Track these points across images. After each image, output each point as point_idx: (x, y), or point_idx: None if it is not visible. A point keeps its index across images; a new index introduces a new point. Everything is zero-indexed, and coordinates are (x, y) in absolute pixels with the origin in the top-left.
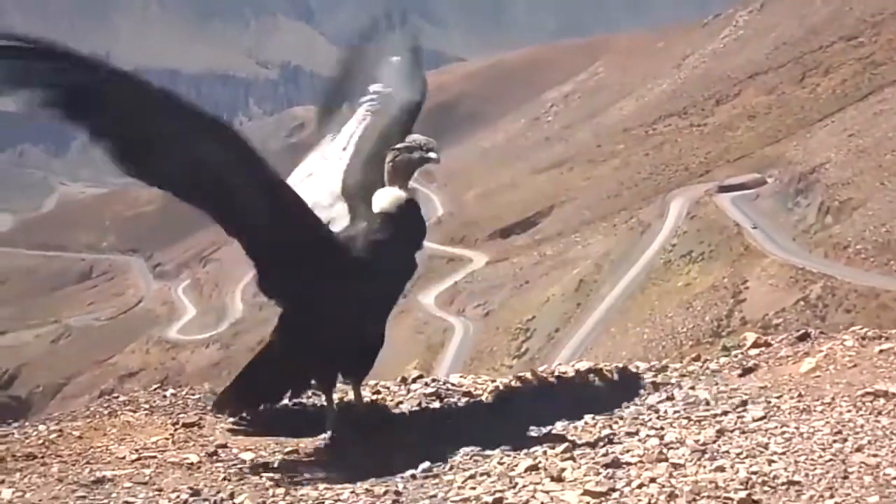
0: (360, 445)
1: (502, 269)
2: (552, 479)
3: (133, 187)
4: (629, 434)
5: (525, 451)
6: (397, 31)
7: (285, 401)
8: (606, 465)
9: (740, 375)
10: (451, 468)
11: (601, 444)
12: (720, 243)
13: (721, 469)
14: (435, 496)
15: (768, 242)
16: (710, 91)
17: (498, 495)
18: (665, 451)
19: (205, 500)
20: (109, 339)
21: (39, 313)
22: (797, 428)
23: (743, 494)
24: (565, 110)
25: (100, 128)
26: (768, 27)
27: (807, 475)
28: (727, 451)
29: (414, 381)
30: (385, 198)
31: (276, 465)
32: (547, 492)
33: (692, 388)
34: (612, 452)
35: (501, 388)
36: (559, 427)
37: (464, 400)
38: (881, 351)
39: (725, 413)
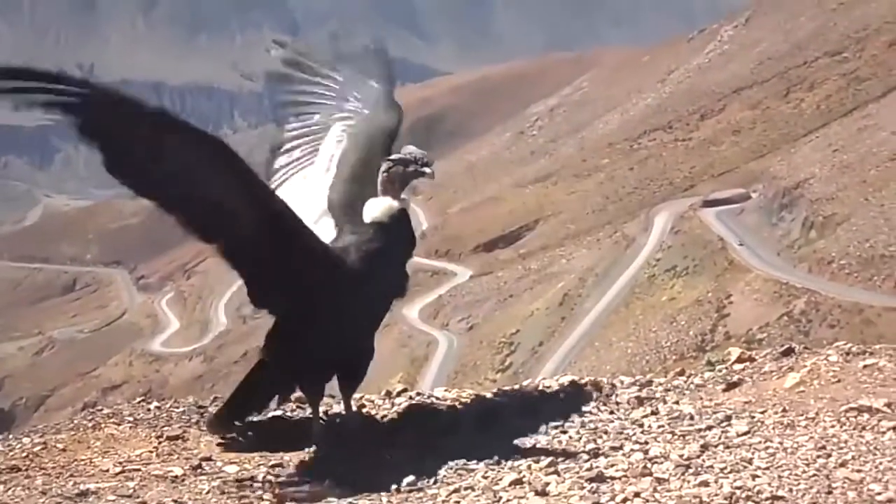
0: (345, 459)
1: (487, 283)
2: (536, 493)
3: (117, 200)
4: (613, 448)
5: (509, 465)
6: (370, 50)
7: (272, 406)
8: (591, 480)
9: (724, 390)
10: (435, 482)
11: (585, 458)
12: (704, 258)
13: (705, 484)
14: None
15: (752, 257)
16: (695, 106)
17: None
18: (649, 465)
19: None
20: (93, 351)
21: (23, 325)
22: (781, 443)
23: None
24: (550, 124)
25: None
26: (753, 42)
27: (791, 490)
28: (711, 466)
29: (398, 394)
30: (378, 207)
31: (260, 479)
32: None
33: (676, 402)
34: (597, 467)
35: (485, 401)
36: (543, 441)
37: (448, 414)
38: (865, 366)
39: (709, 428)
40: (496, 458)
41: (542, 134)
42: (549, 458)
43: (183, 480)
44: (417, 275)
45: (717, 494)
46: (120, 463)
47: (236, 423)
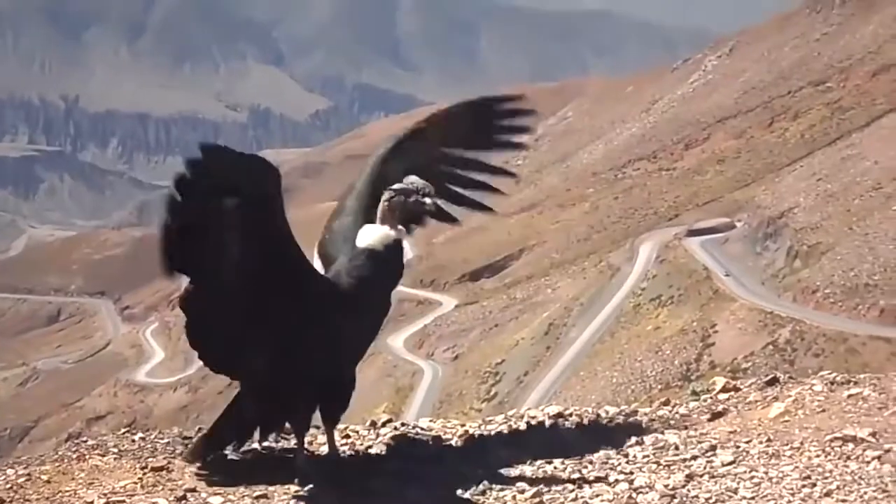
0: (331, 491)
1: (472, 313)
2: None
3: (101, 230)
4: (598, 478)
5: (494, 495)
6: None
7: (255, 439)
8: None
9: (709, 420)
10: None
11: (571, 488)
12: (689, 287)
13: None
14: None
15: (737, 286)
16: (679, 135)
17: None
18: (634, 495)
19: None
20: (77, 382)
21: (7, 356)
22: (766, 473)
23: None
24: (535, 154)
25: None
26: (737, 72)
27: None
28: (696, 496)
29: (383, 424)
30: (373, 234)
31: None
32: None
33: (661, 432)
34: (582, 497)
35: (471, 431)
36: (528, 471)
37: (433, 444)
38: (850, 396)
39: (695, 457)
40: (481, 488)
41: (527, 164)
42: (535, 489)
43: None
44: (403, 304)
45: None
46: (104, 494)
47: (216, 453)
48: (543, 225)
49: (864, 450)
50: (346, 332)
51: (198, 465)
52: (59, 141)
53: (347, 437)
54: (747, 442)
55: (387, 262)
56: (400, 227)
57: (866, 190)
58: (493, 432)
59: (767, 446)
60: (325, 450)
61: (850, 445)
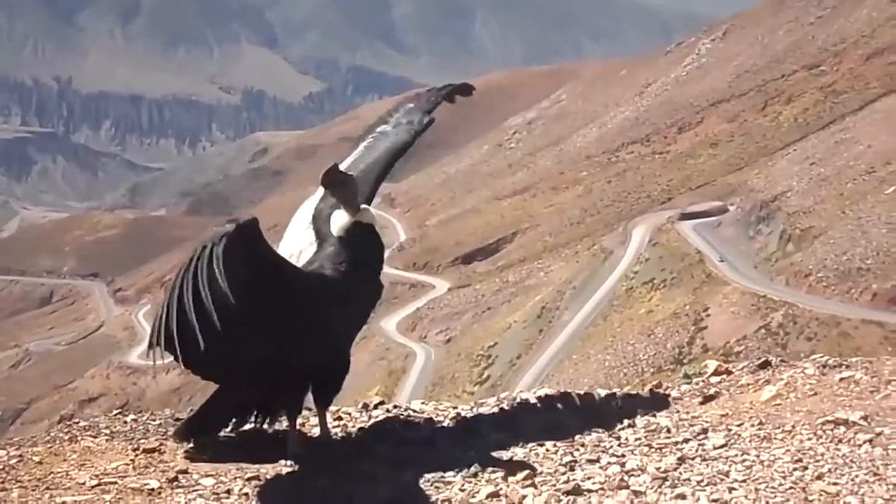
0: (322, 472)
1: (464, 296)
2: None
3: (94, 212)
4: (590, 461)
5: (486, 477)
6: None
7: (247, 421)
8: (567, 493)
9: (701, 403)
10: (412, 495)
11: (562, 471)
12: (682, 271)
13: (682, 497)
14: None
15: (730, 270)
16: (673, 119)
17: None
18: (626, 478)
19: None
20: (70, 364)
21: None
22: (758, 456)
23: None
24: (528, 137)
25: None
26: (730, 55)
27: (767, 503)
28: (688, 479)
29: (375, 407)
30: (337, 222)
31: (237, 491)
32: None
33: (653, 415)
34: (574, 479)
35: (463, 414)
36: (520, 454)
37: (425, 427)
38: (842, 379)
39: (686, 440)
40: (473, 470)
41: (521, 147)
42: (526, 471)
43: (159, 493)
44: (396, 287)
45: None
46: (96, 476)
47: (205, 433)
48: (537, 208)
49: (856, 433)
50: (335, 321)
51: (189, 446)
52: (52, 122)
53: (340, 419)
54: (739, 425)
55: (355, 246)
56: (363, 206)
57: (859, 174)
58: (484, 415)
59: (759, 429)
60: (317, 432)
61: (842, 429)
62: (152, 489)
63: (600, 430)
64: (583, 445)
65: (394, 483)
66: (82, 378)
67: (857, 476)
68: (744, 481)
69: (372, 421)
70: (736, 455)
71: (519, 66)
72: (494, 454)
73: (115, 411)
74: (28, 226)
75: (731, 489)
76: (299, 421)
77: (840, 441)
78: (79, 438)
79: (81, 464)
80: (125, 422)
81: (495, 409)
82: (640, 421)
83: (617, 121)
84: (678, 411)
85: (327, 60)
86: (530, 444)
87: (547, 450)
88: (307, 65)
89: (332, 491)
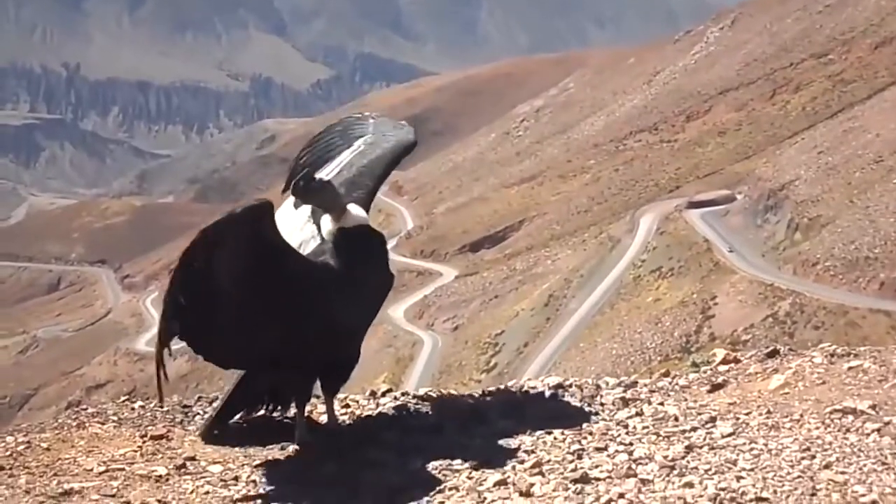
0: (329, 459)
1: (472, 284)
2: (521, 494)
3: (102, 198)
4: (598, 449)
5: (494, 465)
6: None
7: (259, 410)
8: (575, 481)
9: (709, 391)
10: (419, 483)
11: (570, 459)
12: (689, 259)
13: (689, 485)
14: None
15: (738, 259)
16: (681, 107)
17: None
18: (634, 466)
19: None
20: (77, 350)
21: (7, 324)
22: (766, 444)
23: None
24: (536, 125)
25: None
26: (739, 44)
27: (775, 492)
28: (696, 467)
29: (383, 394)
30: (327, 227)
31: (244, 478)
32: None
33: (661, 403)
34: (581, 468)
35: (470, 402)
36: (528, 442)
37: (432, 414)
38: (850, 368)
39: (694, 429)
40: (481, 458)
41: (528, 135)
42: (534, 459)
43: (167, 480)
44: (403, 275)
45: (701, 496)
46: (104, 462)
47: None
48: (544, 196)
49: (864, 422)
50: (344, 311)
51: (199, 434)
52: (60, 109)
53: (347, 406)
54: (747, 414)
55: (351, 247)
56: (349, 206)
57: (867, 163)
58: (492, 403)
59: (767, 418)
60: (324, 419)
61: (850, 418)
62: (160, 476)
63: (608, 419)
64: (590, 434)
65: (401, 470)
66: (90, 364)
67: (864, 465)
68: (752, 470)
69: (379, 409)
70: (744, 444)
71: (524, 53)
72: (502, 442)
73: (122, 398)
74: (36, 212)
75: (738, 478)
76: (307, 408)
77: (848, 430)
78: (86, 425)
79: (89, 450)
80: (133, 409)
81: (502, 398)
82: (647, 409)
83: (625, 109)
84: (686, 400)
85: (335, 48)
86: (538, 433)
87: (555, 438)
88: (315, 52)
89: (340, 478)
